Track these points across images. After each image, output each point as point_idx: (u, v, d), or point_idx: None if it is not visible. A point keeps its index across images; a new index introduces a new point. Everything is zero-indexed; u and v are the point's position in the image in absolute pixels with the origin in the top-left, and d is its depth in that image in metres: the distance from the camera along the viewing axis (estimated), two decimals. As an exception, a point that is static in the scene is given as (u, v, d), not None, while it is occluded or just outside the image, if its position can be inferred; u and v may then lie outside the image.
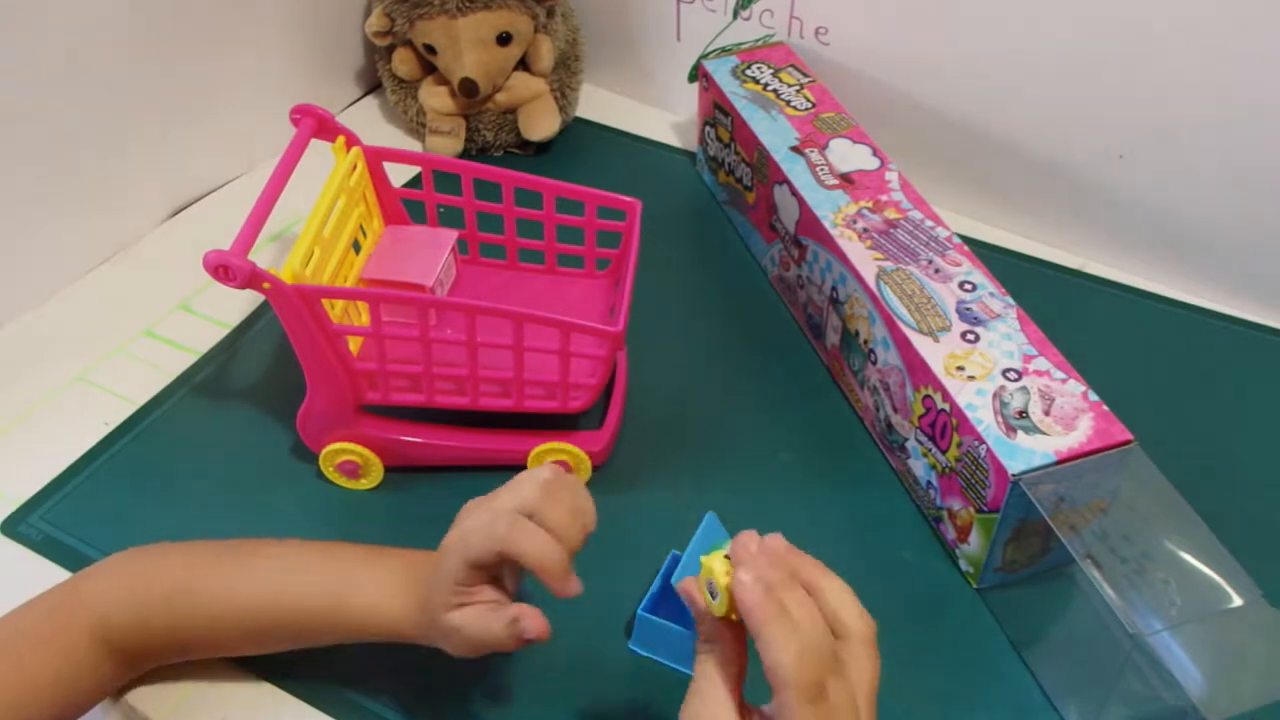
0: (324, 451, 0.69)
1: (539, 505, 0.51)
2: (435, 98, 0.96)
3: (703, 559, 0.46)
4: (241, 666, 0.61)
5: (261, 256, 0.86)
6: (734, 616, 0.44)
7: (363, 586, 0.56)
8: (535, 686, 0.60)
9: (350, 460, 0.69)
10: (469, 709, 0.60)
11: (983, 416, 0.62)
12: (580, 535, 0.53)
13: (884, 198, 0.76)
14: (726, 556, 0.45)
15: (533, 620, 0.51)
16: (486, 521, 0.51)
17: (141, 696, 0.59)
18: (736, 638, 0.45)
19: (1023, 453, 0.60)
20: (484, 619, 0.52)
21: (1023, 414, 0.62)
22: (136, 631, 0.55)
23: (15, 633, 0.54)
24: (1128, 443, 0.61)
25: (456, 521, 0.53)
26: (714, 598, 0.45)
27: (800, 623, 0.42)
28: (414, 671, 0.61)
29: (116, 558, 0.58)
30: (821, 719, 0.41)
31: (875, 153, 0.80)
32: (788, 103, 0.85)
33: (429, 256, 0.72)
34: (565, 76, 0.99)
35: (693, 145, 0.98)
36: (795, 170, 0.79)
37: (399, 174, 0.79)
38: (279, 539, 0.59)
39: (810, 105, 0.85)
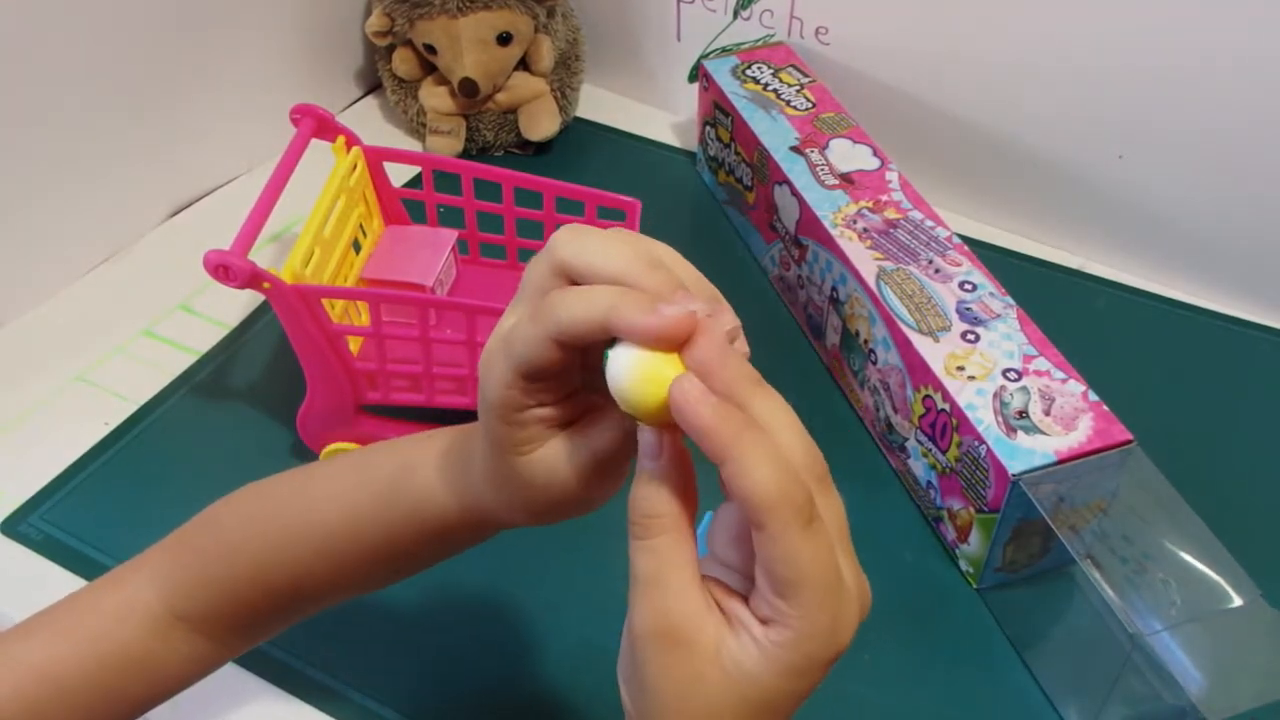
0: (324, 451, 0.69)
1: (572, 257, 0.36)
2: (435, 98, 0.96)
3: (630, 375, 0.34)
4: (241, 666, 0.61)
5: (261, 256, 0.86)
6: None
7: (415, 466, 0.44)
8: (535, 686, 0.60)
9: (350, 460, 0.69)
10: (469, 708, 0.60)
11: (983, 416, 0.62)
12: (659, 277, 0.35)
13: (884, 198, 0.76)
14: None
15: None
16: (513, 311, 0.38)
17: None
18: (689, 503, 0.35)
19: (1023, 453, 0.60)
20: (561, 446, 0.38)
21: (1023, 414, 0.62)
22: (201, 590, 0.48)
23: (70, 609, 0.48)
24: (1128, 443, 0.61)
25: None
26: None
27: (774, 428, 0.33)
28: (415, 672, 0.61)
29: (170, 537, 0.50)
30: (821, 546, 0.33)
31: (875, 153, 0.80)
32: (788, 103, 0.85)
33: (429, 256, 0.72)
34: (565, 76, 0.99)
35: (693, 145, 0.98)
36: (795, 170, 0.79)
37: (399, 174, 0.79)
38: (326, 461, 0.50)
39: (810, 105, 0.85)
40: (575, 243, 0.36)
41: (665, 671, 0.34)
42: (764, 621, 0.33)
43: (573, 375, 0.39)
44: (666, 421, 0.34)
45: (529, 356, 0.36)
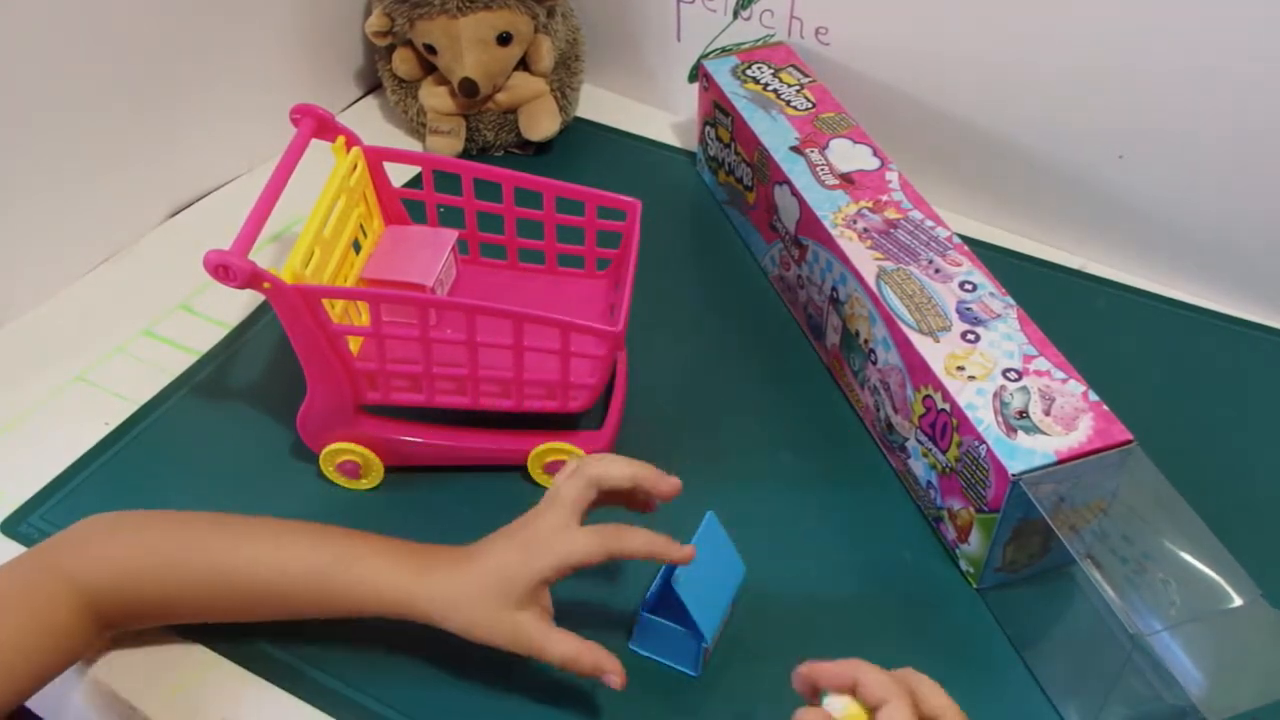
0: (324, 451, 0.69)
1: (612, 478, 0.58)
2: (435, 98, 0.96)
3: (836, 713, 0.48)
4: (242, 666, 0.61)
5: (261, 256, 0.85)
6: None
7: (361, 555, 0.58)
8: (536, 686, 0.60)
9: (350, 460, 0.69)
10: (469, 709, 0.60)
11: (983, 416, 0.62)
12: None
13: (884, 198, 0.76)
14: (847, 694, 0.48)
15: (614, 670, 0.56)
16: (581, 536, 0.56)
17: (142, 697, 0.60)
18: None
19: (1023, 453, 0.60)
20: (552, 633, 0.56)
21: (1023, 414, 0.62)
22: (125, 598, 0.57)
23: None
24: (1128, 443, 0.61)
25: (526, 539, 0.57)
26: None
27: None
28: (415, 671, 0.61)
29: (92, 525, 0.59)
30: None
31: (875, 153, 0.80)
32: (788, 103, 0.85)
33: (429, 256, 0.72)
34: (565, 76, 0.99)
35: (693, 145, 0.98)
36: (795, 170, 0.79)
37: (399, 174, 0.79)
38: (276, 518, 0.61)
39: (810, 105, 0.85)
40: (617, 469, 0.58)
41: None
42: None
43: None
44: None
45: (583, 553, 0.55)
